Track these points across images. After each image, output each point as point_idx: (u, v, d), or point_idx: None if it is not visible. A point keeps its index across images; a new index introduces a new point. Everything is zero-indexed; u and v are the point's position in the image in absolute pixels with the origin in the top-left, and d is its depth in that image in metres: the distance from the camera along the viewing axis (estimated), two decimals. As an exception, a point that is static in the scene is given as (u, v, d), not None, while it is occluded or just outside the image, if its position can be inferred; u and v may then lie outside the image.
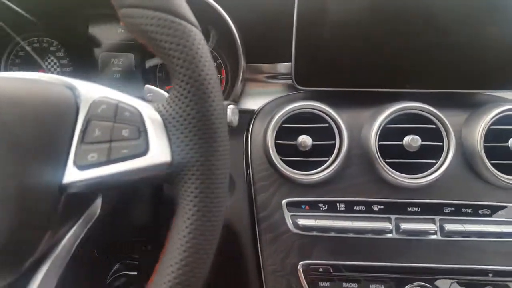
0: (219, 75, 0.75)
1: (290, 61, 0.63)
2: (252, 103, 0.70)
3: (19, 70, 0.77)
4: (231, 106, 0.48)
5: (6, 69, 0.77)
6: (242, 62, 0.63)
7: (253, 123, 0.66)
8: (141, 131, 0.34)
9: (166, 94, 0.42)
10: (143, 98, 0.41)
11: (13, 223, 0.31)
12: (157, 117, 0.35)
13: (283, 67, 0.67)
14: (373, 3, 0.59)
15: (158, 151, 0.34)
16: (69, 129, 0.35)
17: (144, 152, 0.34)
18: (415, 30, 0.60)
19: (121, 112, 0.34)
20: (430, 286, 0.59)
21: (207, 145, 0.34)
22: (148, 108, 0.35)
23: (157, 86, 0.75)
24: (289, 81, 0.69)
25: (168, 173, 0.34)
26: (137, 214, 0.59)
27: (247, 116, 0.68)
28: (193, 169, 0.34)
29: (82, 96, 0.36)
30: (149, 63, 0.74)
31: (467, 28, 0.60)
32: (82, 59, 0.75)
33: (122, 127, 0.34)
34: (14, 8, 0.67)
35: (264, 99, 0.69)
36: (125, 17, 0.35)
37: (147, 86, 0.44)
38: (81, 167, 0.33)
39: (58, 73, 0.77)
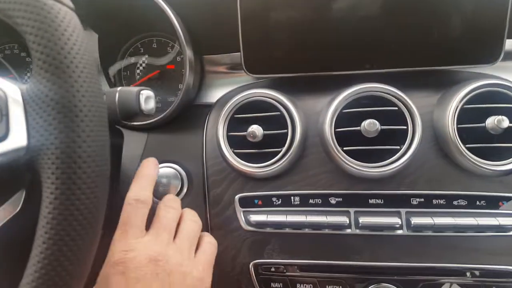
0: (183, 70, 0.73)
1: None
2: (212, 95, 0.67)
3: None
4: (144, 92, 0.45)
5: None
6: (188, 53, 0.60)
7: (209, 116, 0.63)
8: (3, 114, 0.32)
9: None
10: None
11: None
12: (19, 97, 0.33)
13: (238, 56, 0.64)
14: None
15: (16, 135, 0.32)
16: None
17: (4, 136, 0.32)
18: (372, 4, 0.55)
19: None
20: (395, 287, 0.52)
21: (63, 126, 0.31)
22: (14, 89, 0.34)
23: (122, 86, 0.75)
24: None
25: (27, 159, 0.32)
26: None
27: (208, 110, 0.65)
28: (49, 153, 0.31)
29: None
30: (113, 70, 0.74)
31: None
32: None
33: None
34: None
35: (223, 90, 0.66)
36: None
37: None
38: None
39: (28, 78, 0.79)
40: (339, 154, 0.53)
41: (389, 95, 0.53)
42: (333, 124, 0.54)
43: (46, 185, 0.31)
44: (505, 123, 0.50)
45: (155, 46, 0.72)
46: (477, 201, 0.52)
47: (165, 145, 0.64)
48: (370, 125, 0.52)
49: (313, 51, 0.57)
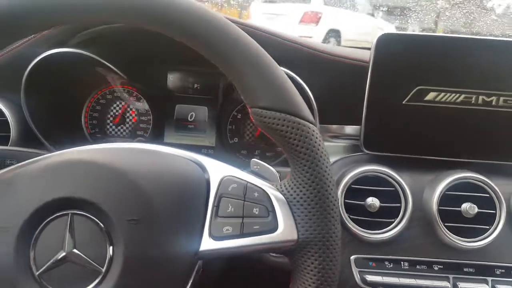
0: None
1: (356, 124, 0.72)
2: None
3: (99, 115, 0.84)
4: None
5: (87, 113, 0.84)
6: (317, 125, 0.70)
7: None
8: (269, 211, 0.40)
9: (271, 168, 0.48)
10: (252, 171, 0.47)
11: None
12: (282, 198, 0.41)
13: (350, 129, 0.75)
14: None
15: (286, 229, 0.40)
16: (202, 203, 0.41)
17: (274, 229, 0.40)
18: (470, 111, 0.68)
19: (250, 192, 0.41)
20: None
21: (326, 225, 0.40)
22: (273, 189, 0.42)
23: (227, 138, 0.82)
24: (352, 142, 0.76)
25: (291, 248, 0.40)
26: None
27: None
28: (316, 247, 0.40)
29: (211, 173, 0.42)
30: None
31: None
32: (159, 109, 0.82)
33: (252, 205, 0.41)
34: (100, 61, 0.74)
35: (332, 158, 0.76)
36: (257, 115, 0.42)
37: (253, 160, 0.49)
38: (216, 237, 0.40)
39: (136, 121, 0.83)
40: (443, 229, 0.65)
41: (483, 184, 0.66)
42: (438, 203, 0.66)
43: (311, 270, 0.40)
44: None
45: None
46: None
47: None
48: (471, 208, 0.65)
49: (424, 138, 0.69)
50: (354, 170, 0.68)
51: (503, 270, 0.67)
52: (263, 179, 0.44)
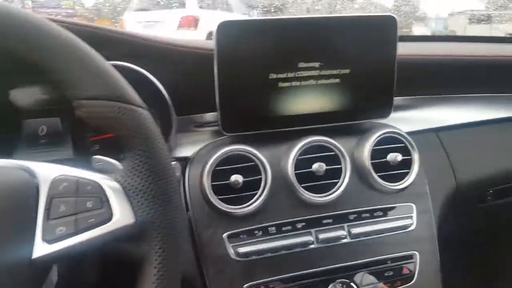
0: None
1: (215, 111, 0.75)
2: (184, 151, 0.78)
3: None
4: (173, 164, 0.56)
5: None
6: (174, 116, 0.72)
7: (189, 169, 0.75)
8: (103, 201, 0.40)
9: (115, 162, 0.48)
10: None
11: None
12: (116, 185, 0.41)
13: (210, 116, 0.79)
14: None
15: (122, 215, 0.40)
16: (31, 208, 0.39)
17: (109, 218, 0.40)
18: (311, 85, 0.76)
19: (82, 187, 0.40)
20: (348, 281, 0.74)
21: (165, 204, 0.42)
22: (107, 179, 0.42)
23: (87, 146, 0.80)
24: (215, 128, 0.80)
25: (132, 234, 0.41)
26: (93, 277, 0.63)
27: (181, 163, 0.76)
28: (156, 226, 0.41)
29: (40, 176, 0.40)
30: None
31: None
32: (3, 126, 0.75)
33: (85, 200, 0.40)
34: None
35: (193, 146, 0.78)
36: (85, 107, 0.41)
37: (94, 156, 0.49)
38: (50, 241, 0.38)
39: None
40: (300, 190, 0.73)
41: (329, 144, 0.75)
42: (293, 167, 0.73)
43: (154, 251, 0.41)
44: (399, 157, 0.77)
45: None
46: (388, 211, 0.78)
47: None
48: (320, 167, 0.73)
49: (275, 114, 0.75)
50: (217, 153, 0.71)
51: (356, 215, 0.77)
52: (99, 172, 0.44)
